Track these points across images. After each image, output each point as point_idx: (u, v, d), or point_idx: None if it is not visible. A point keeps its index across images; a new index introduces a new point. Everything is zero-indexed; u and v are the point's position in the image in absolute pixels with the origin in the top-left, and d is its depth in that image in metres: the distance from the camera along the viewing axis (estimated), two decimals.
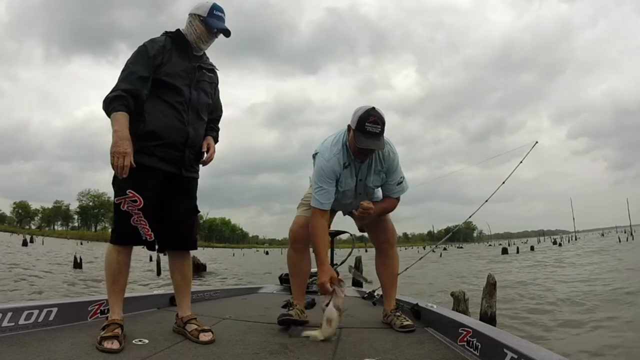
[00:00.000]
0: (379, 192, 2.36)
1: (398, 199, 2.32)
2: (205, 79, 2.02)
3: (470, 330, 1.77)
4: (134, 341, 1.76)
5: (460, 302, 4.85)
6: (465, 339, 1.78)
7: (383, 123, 2.04)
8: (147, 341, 1.77)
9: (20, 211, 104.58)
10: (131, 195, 1.79)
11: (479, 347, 1.67)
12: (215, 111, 2.14)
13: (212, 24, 1.93)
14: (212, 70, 2.10)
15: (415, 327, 2.12)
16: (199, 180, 2.07)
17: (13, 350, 1.56)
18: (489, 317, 5.08)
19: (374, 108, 2.05)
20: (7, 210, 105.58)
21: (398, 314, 2.24)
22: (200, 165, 2.05)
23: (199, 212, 2.07)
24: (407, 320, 2.17)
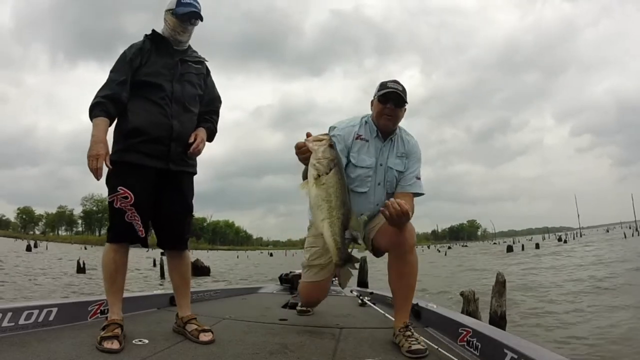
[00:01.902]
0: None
1: (413, 198, 2.10)
2: (191, 71, 2.02)
3: (470, 330, 1.77)
4: (134, 341, 1.76)
5: (470, 302, 4.75)
6: (465, 339, 1.78)
7: (404, 87, 2.07)
8: (147, 341, 1.77)
9: (24, 217, 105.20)
10: (122, 192, 1.82)
11: (479, 347, 1.67)
12: (212, 102, 2.14)
13: (179, 12, 1.94)
14: (200, 62, 2.10)
15: (427, 353, 1.72)
16: (195, 176, 2.07)
17: (13, 350, 1.57)
18: (498, 317, 4.98)
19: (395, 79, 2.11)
20: (12, 216, 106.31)
21: (409, 333, 1.81)
22: (196, 159, 2.05)
23: (191, 211, 2.05)
24: (418, 343, 1.74)
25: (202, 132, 2.02)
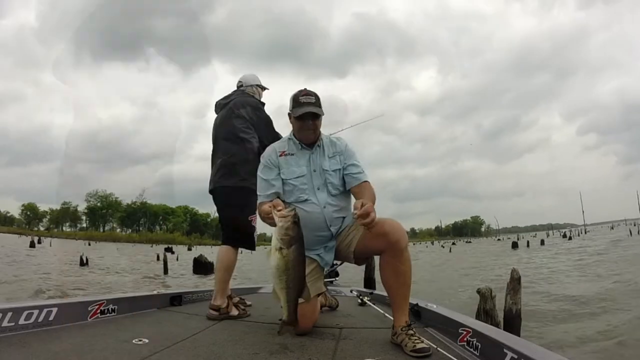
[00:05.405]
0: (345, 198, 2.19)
1: (370, 184, 2.15)
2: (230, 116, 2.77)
3: (470, 330, 1.76)
4: (134, 341, 1.77)
5: (487, 300, 4.52)
6: (465, 339, 1.78)
7: (316, 95, 2.12)
8: (147, 341, 1.78)
9: (28, 213, 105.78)
10: None
11: (479, 347, 1.66)
12: None
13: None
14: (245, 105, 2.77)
15: (431, 351, 1.75)
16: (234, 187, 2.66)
17: (13, 350, 1.58)
18: (514, 314, 4.74)
19: (304, 88, 2.16)
20: (16, 213, 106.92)
21: (411, 332, 1.84)
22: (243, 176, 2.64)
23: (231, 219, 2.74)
24: (422, 342, 1.77)
25: None
